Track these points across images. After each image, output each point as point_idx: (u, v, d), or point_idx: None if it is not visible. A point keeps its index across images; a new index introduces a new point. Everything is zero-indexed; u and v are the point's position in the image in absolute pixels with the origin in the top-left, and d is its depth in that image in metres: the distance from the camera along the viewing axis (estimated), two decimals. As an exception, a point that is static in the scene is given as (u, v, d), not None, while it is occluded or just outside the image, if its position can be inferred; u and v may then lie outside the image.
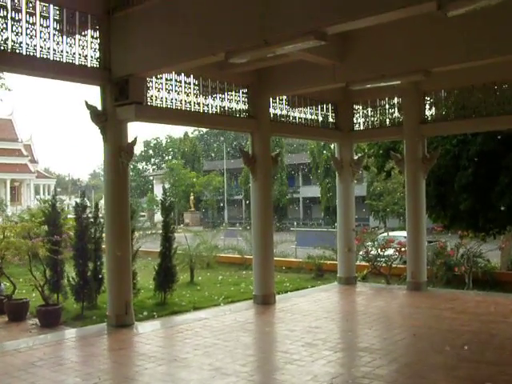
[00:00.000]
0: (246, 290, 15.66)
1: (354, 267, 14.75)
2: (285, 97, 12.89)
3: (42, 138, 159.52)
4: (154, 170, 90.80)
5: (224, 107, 11.51)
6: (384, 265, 15.02)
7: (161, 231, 14.16)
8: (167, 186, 62.18)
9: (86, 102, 9.80)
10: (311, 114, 13.69)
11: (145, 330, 9.84)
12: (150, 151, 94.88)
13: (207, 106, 11.17)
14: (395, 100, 13.86)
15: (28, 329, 11.25)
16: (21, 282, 13.20)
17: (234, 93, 11.71)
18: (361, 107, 14.40)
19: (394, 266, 14.99)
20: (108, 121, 9.86)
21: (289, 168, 63.21)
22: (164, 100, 10.38)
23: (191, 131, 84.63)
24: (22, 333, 10.90)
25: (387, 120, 13.99)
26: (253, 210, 12.21)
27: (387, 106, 14.00)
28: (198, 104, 11.01)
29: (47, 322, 11.34)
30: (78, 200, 12.94)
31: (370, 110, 14.24)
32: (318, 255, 20.42)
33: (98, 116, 9.83)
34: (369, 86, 10.76)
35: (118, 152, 9.84)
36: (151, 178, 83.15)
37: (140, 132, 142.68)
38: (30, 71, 9.03)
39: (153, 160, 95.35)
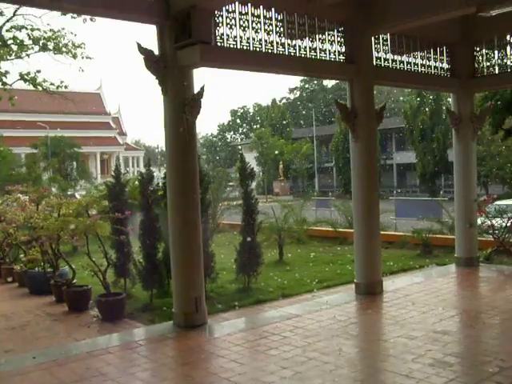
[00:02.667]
0: (342, 270, 13.35)
1: (477, 246, 12.13)
2: (389, 37, 10.37)
3: (131, 110, 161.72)
4: (242, 139, 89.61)
5: (315, 49, 9.13)
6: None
7: (242, 204, 12.02)
8: (256, 154, 60.67)
9: (139, 45, 7.72)
10: (422, 59, 11.07)
11: (219, 332, 7.80)
12: (238, 120, 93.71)
13: (294, 47, 8.83)
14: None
15: (87, 323, 9.46)
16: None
17: (327, 31, 9.30)
18: (484, 48, 11.61)
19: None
20: (167, 68, 7.76)
21: (381, 133, 59.75)
22: (238, 40, 8.10)
23: (279, 98, 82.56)
24: (80, 328, 9.11)
25: (519, 62, 11.17)
26: (354, 177, 9.85)
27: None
28: (283, 45, 8.68)
29: (109, 314, 9.54)
30: (143, 170, 10.96)
31: (497, 50, 11.44)
32: (422, 228, 17.72)
33: (154, 62, 7.74)
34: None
35: (182, 106, 7.74)
36: (239, 147, 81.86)
37: (225, 98, 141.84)
38: (61, 4, 7.05)
39: (241, 129, 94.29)
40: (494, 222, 12.41)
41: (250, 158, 61.99)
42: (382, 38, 10.21)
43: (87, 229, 9.88)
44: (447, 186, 51.35)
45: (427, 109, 50.10)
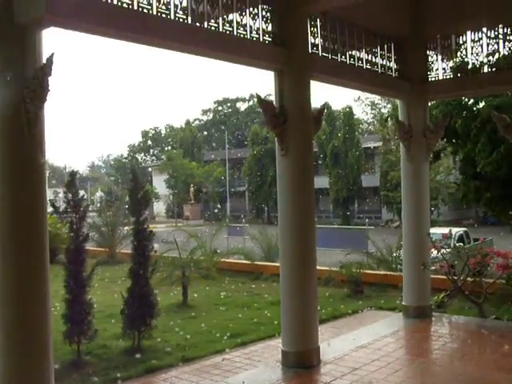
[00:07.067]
0: (260, 318, 10.73)
1: (430, 292, 9.71)
2: (329, 21, 7.86)
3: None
4: (153, 161, 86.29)
5: (231, 22, 6.46)
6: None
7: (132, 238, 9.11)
8: (166, 176, 58.01)
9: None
10: (367, 53, 8.66)
11: None
12: (149, 141, 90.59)
13: (202, 15, 6.10)
14: (499, 30, 8.83)
15: None
16: None
17: (248, 4, 6.66)
18: (439, 47, 9.39)
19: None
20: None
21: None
22: (108, -9, 5.29)
23: (192, 119, 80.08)
24: None
25: (485, 65, 8.96)
26: (281, 201, 7.18)
27: (485, 41, 8.95)
28: (184, 10, 5.93)
29: None
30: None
31: (454, 48, 9.23)
32: (349, 261, 15.27)
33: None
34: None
35: (19, 89, 4.83)
36: (149, 169, 78.46)
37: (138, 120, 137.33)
38: None
39: (151, 151, 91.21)
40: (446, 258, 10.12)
41: (161, 181, 59.19)
42: (321, 21, 7.69)
43: None
44: (360, 212, 50.73)
45: (339, 134, 49.79)
